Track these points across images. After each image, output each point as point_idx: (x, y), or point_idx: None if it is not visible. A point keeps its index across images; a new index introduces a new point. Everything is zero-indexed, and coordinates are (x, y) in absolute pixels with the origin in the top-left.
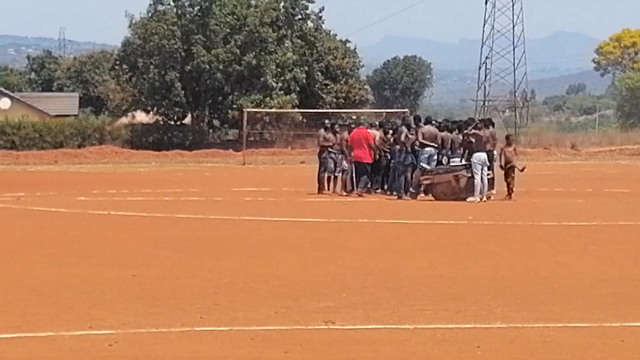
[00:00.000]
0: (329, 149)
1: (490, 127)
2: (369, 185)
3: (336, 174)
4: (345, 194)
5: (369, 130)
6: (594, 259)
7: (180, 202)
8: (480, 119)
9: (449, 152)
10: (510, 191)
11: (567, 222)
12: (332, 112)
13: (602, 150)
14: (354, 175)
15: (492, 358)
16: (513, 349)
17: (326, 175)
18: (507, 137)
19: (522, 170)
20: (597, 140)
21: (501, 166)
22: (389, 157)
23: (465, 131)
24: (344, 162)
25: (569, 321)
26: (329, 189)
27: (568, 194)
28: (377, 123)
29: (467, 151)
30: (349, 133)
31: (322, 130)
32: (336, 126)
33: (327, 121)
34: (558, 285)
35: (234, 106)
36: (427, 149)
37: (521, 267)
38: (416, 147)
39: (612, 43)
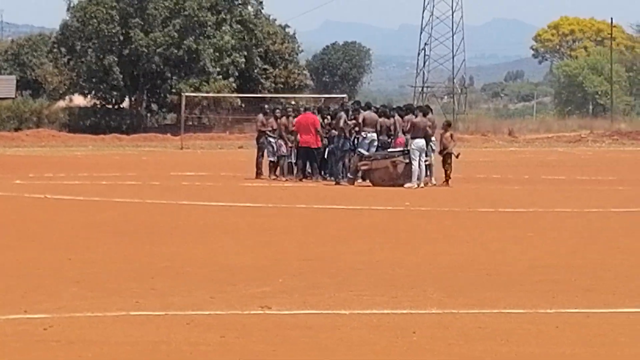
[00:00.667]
0: (268, 134)
1: (430, 114)
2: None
3: (274, 159)
4: (284, 179)
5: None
6: (530, 246)
7: (117, 186)
8: (418, 105)
9: (387, 138)
10: (447, 177)
11: (504, 209)
12: (270, 97)
13: (539, 137)
14: (298, 160)
15: (427, 344)
16: (448, 334)
17: (264, 160)
18: (445, 124)
19: (457, 156)
20: (534, 127)
21: (440, 152)
22: (327, 142)
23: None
24: (282, 148)
25: (504, 307)
26: (270, 174)
27: (505, 180)
28: (313, 107)
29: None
30: (290, 118)
31: (260, 115)
32: (277, 111)
33: (266, 106)
34: (494, 272)
35: (173, 90)
36: (369, 134)
37: (458, 254)
38: (356, 133)
39: (550, 30)
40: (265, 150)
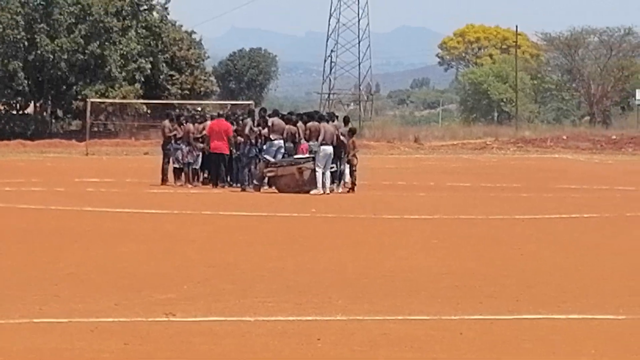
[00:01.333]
0: (174, 141)
1: (336, 120)
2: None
3: (179, 166)
4: (190, 185)
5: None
6: (435, 253)
7: (21, 192)
8: (326, 112)
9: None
10: (352, 184)
11: (410, 216)
12: (177, 104)
13: (444, 144)
14: (211, 167)
15: (332, 350)
16: (353, 341)
17: (169, 167)
18: (349, 130)
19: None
20: (440, 134)
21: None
22: (233, 149)
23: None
24: (189, 155)
25: (409, 314)
26: (176, 181)
27: (410, 187)
28: (226, 114)
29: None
30: (197, 124)
31: (166, 121)
32: (182, 118)
33: (172, 112)
34: (399, 279)
35: (78, 96)
36: (276, 141)
37: (363, 260)
38: (264, 139)
39: (455, 38)
40: (171, 157)
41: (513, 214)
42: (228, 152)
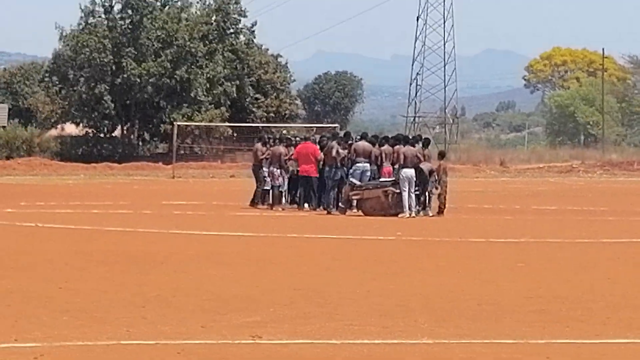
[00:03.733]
0: (265, 164)
1: (420, 143)
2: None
3: (268, 188)
4: (280, 208)
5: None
6: (521, 276)
7: (108, 215)
8: (408, 135)
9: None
10: (441, 207)
11: (496, 239)
12: (262, 127)
13: (530, 167)
14: (299, 189)
15: None
16: None
17: (262, 190)
18: (438, 154)
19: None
20: (526, 157)
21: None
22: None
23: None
24: (280, 178)
25: (495, 337)
26: (263, 203)
27: (496, 210)
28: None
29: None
30: (288, 147)
31: (259, 144)
32: (271, 140)
33: (265, 135)
34: (485, 302)
35: (165, 120)
36: (361, 164)
37: (449, 284)
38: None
39: (542, 61)
40: (265, 180)
41: (600, 237)
42: (316, 175)
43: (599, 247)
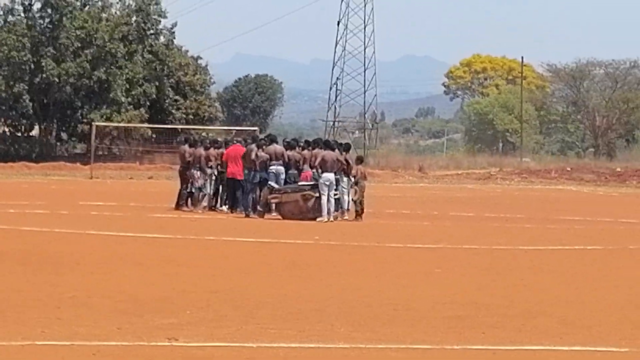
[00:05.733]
0: (189, 166)
1: (337, 149)
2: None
3: (192, 191)
4: (200, 210)
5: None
6: (438, 282)
7: (25, 215)
8: (326, 140)
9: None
10: (359, 212)
11: (413, 244)
12: (181, 128)
13: (449, 173)
14: (227, 192)
15: None
16: None
17: (187, 192)
18: (357, 159)
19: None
20: (444, 163)
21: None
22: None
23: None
24: (200, 180)
25: (411, 343)
26: (187, 205)
27: (414, 216)
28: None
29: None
30: (206, 150)
31: (186, 146)
32: (198, 143)
33: (191, 137)
34: (402, 307)
35: (83, 120)
36: (274, 167)
37: (366, 288)
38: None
39: (462, 68)
40: (189, 182)
41: (516, 244)
42: (241, 177)
43: (515, 254)
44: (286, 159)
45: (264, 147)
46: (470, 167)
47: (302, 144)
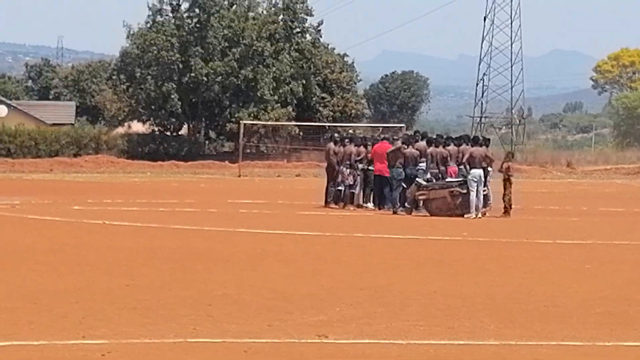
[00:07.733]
0: (338, 163)
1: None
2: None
3: (341, 188)
4: (355, 207)
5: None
6: (588, 278)
7: (175, 213)
8: (474, 136)
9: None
10: (507, 208)
11: (562, 240)
12: (328, 126)
13: (597, 168)
14: (374, 189)
15: None
16: None
17: (335, 189)
18: (507, 154)
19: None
20: (593, 158)
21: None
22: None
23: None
24: (350, 177)
25: (562, 340)
26: (336, 203)
27: (563, 212)
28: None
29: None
30: (360, 147)
31: (331, 144)
32: (346, 140)
33: (336, 135)
34: (552, 304)
35: (231, 119)
36: (422, 164)
37: (515, 285)
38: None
39: (610, 62)
40: (337, 180)
41: None
42: (388, 174)
43: None
44: (434, 156)
45: (412, 143)
46: (619, 162)
47: (444, 140)
